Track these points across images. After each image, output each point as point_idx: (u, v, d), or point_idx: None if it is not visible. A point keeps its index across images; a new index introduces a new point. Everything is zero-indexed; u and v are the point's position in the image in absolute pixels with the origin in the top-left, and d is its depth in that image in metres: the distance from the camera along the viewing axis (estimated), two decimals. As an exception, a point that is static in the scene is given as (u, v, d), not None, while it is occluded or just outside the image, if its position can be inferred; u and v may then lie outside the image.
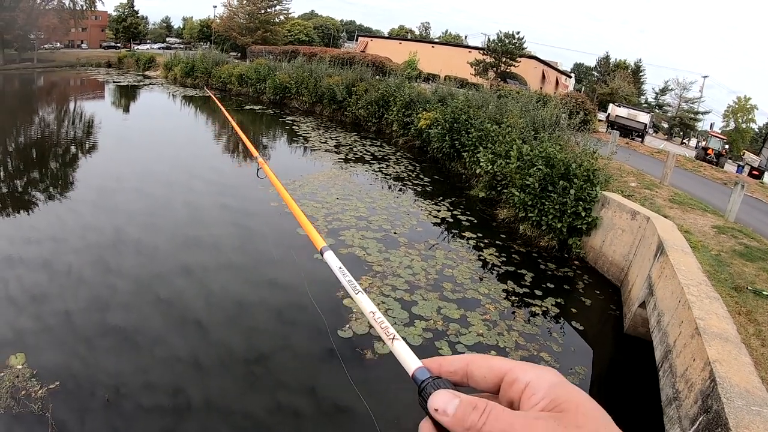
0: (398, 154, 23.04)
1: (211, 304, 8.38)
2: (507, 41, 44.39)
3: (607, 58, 75.64)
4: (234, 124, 3.78)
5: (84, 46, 76.73)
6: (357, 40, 71.51)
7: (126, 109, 32.75)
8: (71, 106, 33.31)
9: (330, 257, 0.97)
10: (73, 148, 19.71)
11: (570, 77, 63.02)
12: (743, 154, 46.92)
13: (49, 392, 5.87)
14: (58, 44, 69.71)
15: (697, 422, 4.85)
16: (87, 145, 20.69)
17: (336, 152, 21.75)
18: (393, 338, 0.70)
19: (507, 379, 0.59)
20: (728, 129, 60.69)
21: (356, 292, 0.82)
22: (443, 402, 0.57)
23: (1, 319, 7.27)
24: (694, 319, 6.03)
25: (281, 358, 7.17)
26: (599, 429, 0.51)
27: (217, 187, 14.88)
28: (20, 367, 6.19)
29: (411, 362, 0.65)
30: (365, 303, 0.78)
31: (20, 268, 8.74)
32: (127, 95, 39.05)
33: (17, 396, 5.75)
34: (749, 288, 8.07)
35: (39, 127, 25.08)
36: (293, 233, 11.43)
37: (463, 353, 0.78)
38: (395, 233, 12.33)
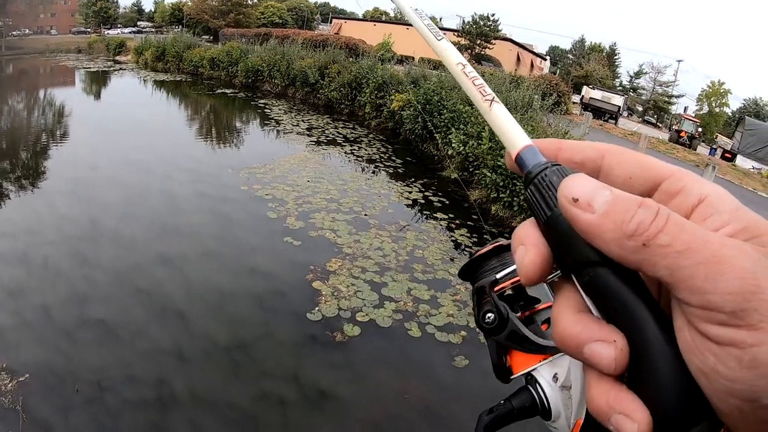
0: (371, 136, 22.83)
1: (191, 293, 8.22)
2: (482, 23, 44.43)
3: (582, 41, 76.18)
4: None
5: (53, 32, 75.19)
6: (331, 23, 70.84)
7: (97, 96, 32.11)
8: (41, 94, 32.50)
9: None
10: (44, 137, 19.23)
11: (545, 60, 63.31)
12: (716, 138, 47.63)
13: (31, 387, 5.73)
14: (27, 31, 68.34)
15: None
16: (59, 134, 20.22)
17: (308, 135, 21.50)
18: (492, 101, 0.50)
19: (667, 186, 0.41)
20: (702, 113, 61.65)
21: (439, 38, 0.57)
22: (588, 190, 0.37)
23: None
24: None
25: (263, 346, 7.06)
26: None
27: (193, 174, 14.57)
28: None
29: (517, 137, 0.47)
30: (451, 53, 0.56)
31: None
32: (97, 81, 38.25)
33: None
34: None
35: (8, 116, 24.45)
36: (264, 217, 11.31)
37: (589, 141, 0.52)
38: (366, 215, 12.22)
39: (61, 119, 24.00)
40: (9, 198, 11.88)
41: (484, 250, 0.58)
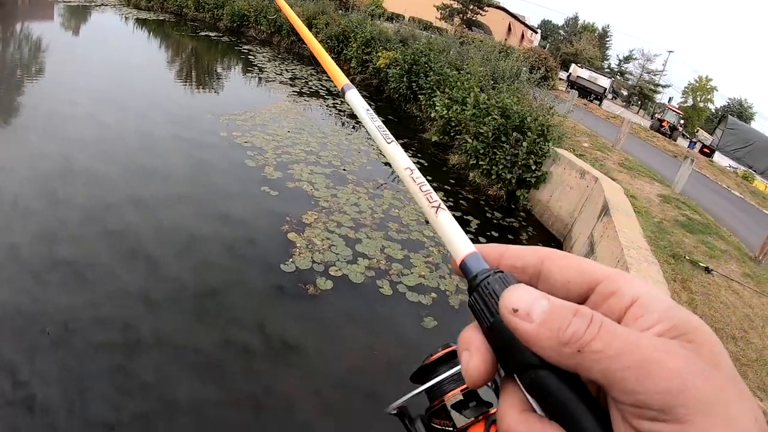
0: (355, 91, 22.52)
1: (162, 237, 8.02)
2: (476, -11, 43.68)
3: (575, 18, 76.04)
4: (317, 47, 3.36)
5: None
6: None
7: (76, 32, 30.98)
8: (17, 27, 31.29)
9: (354, 97, 0.76)
10: (19, 72, 18.47)
11: (536, 33, 62.93)
12: (697, 132, 48.28)
13: (8, 332, 5.58)
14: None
15: None
16: (34, 69, 19.41)
17: (291, 85, 21.14)
18: (438, 207, 0.52)
19: (602, 289, 0.42)
20: (686, 105, 62.05)
21: (389, 141, 0.61)
22: (527, 301, 0.40)
23: None
24: None
25: (233, 294, 6.95)
26: (734, 375, 0.36)
27: (172, 117, 14.17)
28: None
29: (461, 245, 0.48)
30: (400, 157, 0.59)
31: None
32: (77, 16, 36.80)
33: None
34: (687, 257, 8.27)
35: None
36: (242, 165, 11.11)
37: (531, 246, 0.51)
38: (344, 170, 12.11)
39: (38, 54, 23.09)
40: None
41: (435, 356, 0.61)
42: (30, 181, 9.04)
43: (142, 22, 35.21)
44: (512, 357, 0.41)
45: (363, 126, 0.67)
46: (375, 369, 6.00)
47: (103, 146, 11.14)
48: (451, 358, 0.65)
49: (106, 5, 42.53)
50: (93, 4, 42.91)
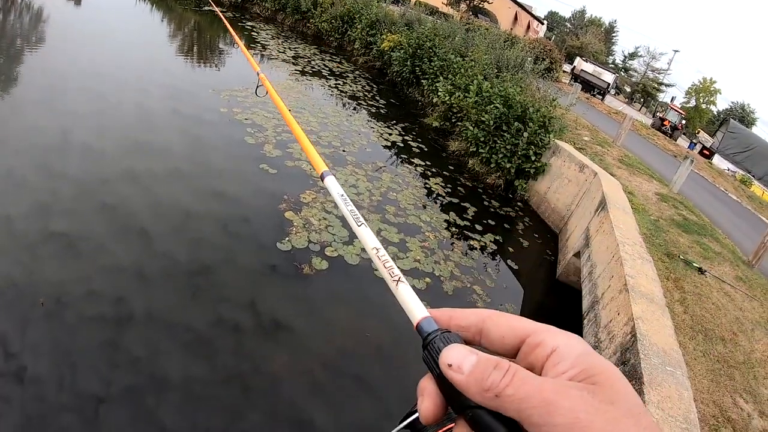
0: (357, 73, 22.40)
1: (157, 213, 7.95)
2: (483, -25, 43.32)
3: (583, 12, 75.61)
4: (238, 40, 3.41)
5: None
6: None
7: (78, 2, 30.69)
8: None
9: (331, 183, 0.89)
10: (18, 42, 18.25)
11: (542, 24, 62.64)
12: (698, 133, 48.01)
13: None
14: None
15: None
16: (34, 39, 19.20)
17: (293, 63, 20.95)
18: (398, 280, 0.63)
19: (530, 341, 0.52)
20: (688, 105, 61.85)
21: (359, 224, 0.75)
22: (458, 357, 0.51)
23: None
24: (624, 276, 6.16)
25: (224, 271, 6.91)
26: (631, 408, 0.44)
27: (171, 92, 14.02)
28: None
29: (417, 311, 0.58)
30: (368, 238, 0.71)
31: None
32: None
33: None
34: (681, 257, 8.28)
35: None
36: (241, 142, 11.03)
37: (476, 309, 0.59)
38: (344, 151, 12.05)
39: (38, 24, 22.83)
40: None
41: (403, 424, 0.66)
42: (25, 153, 8.92)
43: (144, -6, 34.85)
44: (455, 400, 0.50)
45: (339, 209, 0.79)
46: (365, 351, 5.99)
47: (101, 120, 10.99)
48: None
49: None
50: (96, -26, 42.43)
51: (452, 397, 0.51)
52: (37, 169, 8.46)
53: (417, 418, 0.54)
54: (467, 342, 0.55)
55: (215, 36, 25.95)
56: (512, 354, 0.53)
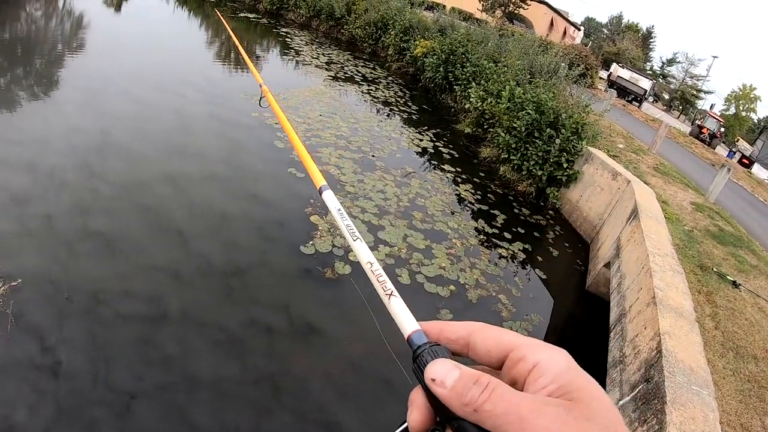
0: (390, 78, 22.42)
1: (193, 214, 8.12)
2: (519, -19, 43.06)
3: (619, 17, 74.63)
4: (240, 47, 3.47)
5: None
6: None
7: (118, 8, 31.39)
8: (60, 2, 31.77)
9: (329, 197, 0.92)
10: (60, 47, 18.74)
11: (579, 30, 62.00)
12: (737, 141, 46.86)
13: (26, 294, 5.70)
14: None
15: (636, 389, 4.82)
16: (75, 44, 19.70)
17: (326, 69, 21.07)
18: (390, 294, 0.64)
19: (513, 355, 0.54)
20: (728, 113, 60.42)
21: (354, 238, 0.76)
22: (442, 372, 0.52)
23: None
24: (653, 288, 5.96)
25: (258, 274, 7.01)
26: (608, 426, 0.45)
27: (206, 96, 14.24)
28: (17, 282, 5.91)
29: (408, 324, 0.60)
30: (363, 252, 0.72)
31: (2, 170, 8.30)
32: (119, -6, 37.39)
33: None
34: (715, 269, 8.03)
35: (25, 23, 23.87)
36: (271, 146, 11.16)
37: (465, 321, 0.62)
38: (373, 156, 12.03)
39: (79, 29, 23.41)
40: (20, 105, 11.57)
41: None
42: (66, 153, 9.19)
43: (182, 1, 35.56)
44: (442, 411, 0.52)
45: (337, 224, 0.82)
46: (386, 357, 5.94)
47: (139, 123, 11.27)
48: None
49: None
50: (135, -19, 43.46)
51: (439, 408, 0.53)
52: (77, 169, 8.70)
53: (407, 429, 0.54)
54: (456, 354, 0.57)
55: (250, 42, 26.27)
56: (498, 366, 0.55)
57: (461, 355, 0.57)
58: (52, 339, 5.26)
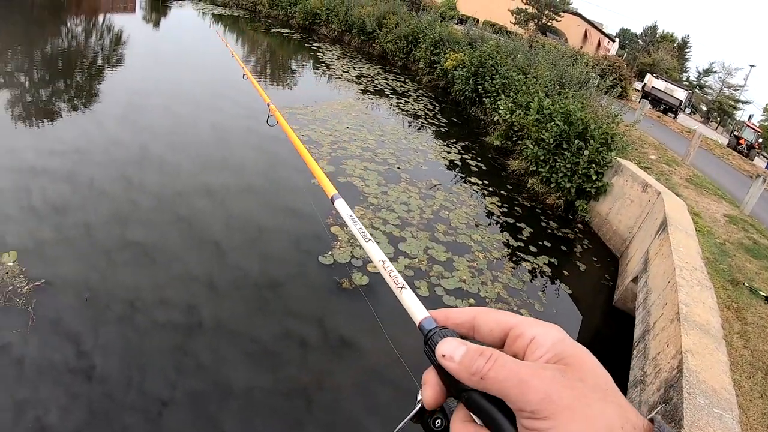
0: (420, 92, 22.45)
1: (230, 226, 8.27)
2: (552, -7, 42.86)
3: (654, 27, 73.57)
4: (247, 71, 3.58)
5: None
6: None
7: (156, 25, 32.28)
8: (100, 19, 32.73)
9: (341, 205, 1.03)
10: (100, 61, 19.31)
11: (613, 41, 61.26)
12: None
13: (65, 301, 5.90)
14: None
15: (655, 411, 4.56)
16: (114, 59, 20.28)
17: (356, 83, 21.26)
18: (402, 287, 0.74)
19: (513, 333, 0.60)
20: (766, 123, 58.90)
21: (366, 240, 0.85)
22: (451, 348, 0.59)
23: (22, 227, 7.17)
24: (677, 303, 5.71)
25: (293, 286, 7.06)
26: (599, 384, 0.52)
27: (244, 110, 14.52)
28: (40, 283, 6.09)
29: (418, 312, 0.68)
30: (375, 252, 0.82)
31: (43, 179, 8.59)
32: (157, 10, 38.47)
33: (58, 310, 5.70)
34: (746, 284, 7.74)
35: (66, 38, 24.63)
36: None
37: (470, 307, 0.68)
38: (399, 168, 12.02)
39: (118, 45, 24.09)
40: (61, 117, 11.95)
41: (411, 414, 0.69)
42: (106, 165, 9.47)
43: (218, 18, 36.45)
44: (453, 385, 0.58)
45: (350, 229, 0.89)
46: (400, 372, 5.85)
47: (176, 136, 11.60)
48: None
49: (185, 0, 44.07)
50: (172, -1, 44.66)
51: (450, 383, 0.59)
52: (116, 180, 8.97)
53: (422, 407, 0.59)
54: (463, 337, 0.63)
55: (283, 56, 26.65)
56: (500, 345, 0.61)
57: (468, 338, 0.63)
58: (88, 344, 5.39)
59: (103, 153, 9.92)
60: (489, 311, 0.64)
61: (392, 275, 0.76)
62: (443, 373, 0.59)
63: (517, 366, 0.53)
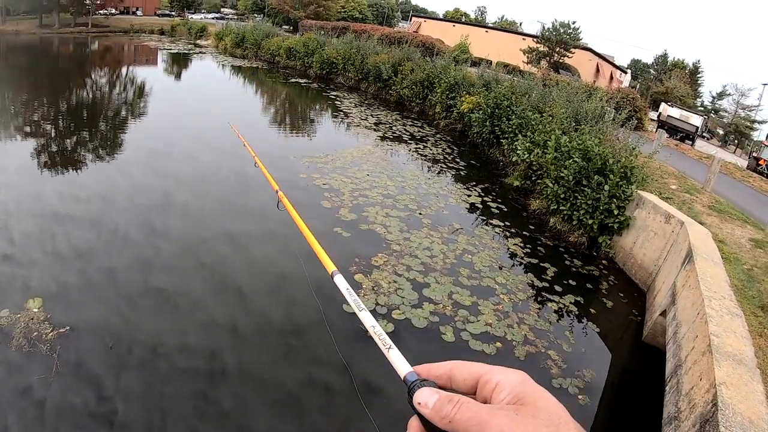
0: (438, 136, 22.71)
1: (252, 272, 8.48)
2: (562, 30, 43.40)
3: (665, 56, 73.69)
4: (258, 160, 3.73)
5: (139, 12, 79.00)
6: (411, 21, 70.95)
7: (177, 76, 33.31)
8: (123, 70, 33.93)
9: (339, 281, 1.14)
10: (124, 111, 20.09)
11: (625, 73, 61.39)
12: (798, 170, 44.79)
13: (88, 345, 6.10)
14: (113, 10, 71.50)
15: None
16: (138, 109, 21.04)
17: (375, 130, 21.61)
18: (389, 348, 0.81)
19: (482, 380, 0.68)
20: (785, 141, 58.13)
21: (360, 309, 0.93)
22: (425, 397, 0.67)
23: (47, 272, 7.45)
24: (708, 335, 5.64)
25: (317, 333, 7.12)
26: (552, 418, 0.59)
27: (264, 158, 14.76)
28: (65, 330, 6.30)
29: (403, 367, 0.75)
30: (367, 319, 0.90)
31: (68, 225, 8.96)
32: (178, 62, 39.81)
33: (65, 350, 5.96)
34: (777, 309, 7.63)
35: (91, 89, 25.57)
36: (318, 205, 11.53)
37: (448, 361, 0.79)
38: (420, 214, 12.15)
39: (142, 95, 24.96)
40: (86, 165, 12.44)
41: None
42: (130, 211, 9.81)
43: (237, 69, 37.43)
44: (430, 429, 0.65)
45: (347, 299, 0.99)
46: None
47: (199, 183, 11.95)
48: None
49: (205, 53, 45.65)
50: (192, 51, 46.13)
51: (428, 428, 0.65)
52: (140, 226, 9.29)
53: None
54: (442, 387, 0.70)
55: (302, 106, 27.23)
56: (473, 392, 0.68)
57: (447, 388, 0.69)
58: (110, 389, 5.49)
59: (127, 199, 10.36)
60: (464, 363, 0.72)
61: (381, 338, 0.83)
62: (422, 419, 0.67)
63: (477, 408, 0.61)
